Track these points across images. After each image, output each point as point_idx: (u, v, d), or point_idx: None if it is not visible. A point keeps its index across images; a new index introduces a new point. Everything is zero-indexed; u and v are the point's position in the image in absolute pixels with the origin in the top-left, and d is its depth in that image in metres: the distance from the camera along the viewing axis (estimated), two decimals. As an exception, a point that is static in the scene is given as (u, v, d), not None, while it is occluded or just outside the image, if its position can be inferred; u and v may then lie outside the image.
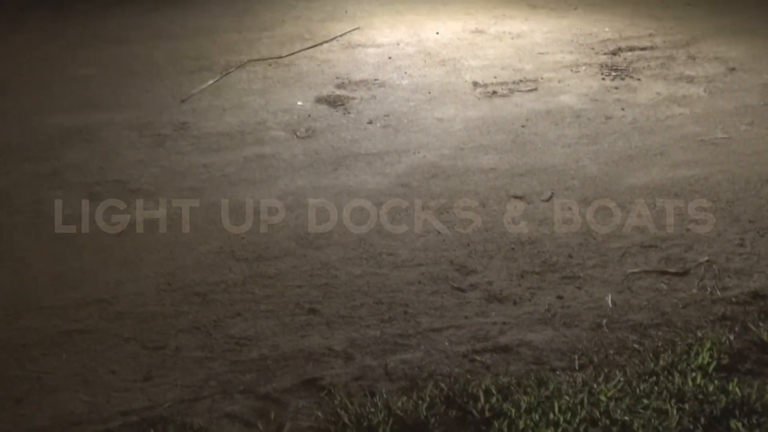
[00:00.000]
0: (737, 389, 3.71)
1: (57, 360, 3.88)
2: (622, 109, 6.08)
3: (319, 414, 3.60)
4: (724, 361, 3.90)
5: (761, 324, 4.19)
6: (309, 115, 5.82)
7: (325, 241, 4.70)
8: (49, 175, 5.07)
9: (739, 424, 3.53)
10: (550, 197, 5.14)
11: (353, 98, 6.02)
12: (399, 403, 3.60)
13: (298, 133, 5.63)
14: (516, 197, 5.13)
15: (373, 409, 3.58)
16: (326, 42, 6.70)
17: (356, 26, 6.94)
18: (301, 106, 5.92)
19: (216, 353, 3.95)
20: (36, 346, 3.94)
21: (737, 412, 3.61)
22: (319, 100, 5.99)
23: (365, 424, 3.49)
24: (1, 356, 3.88)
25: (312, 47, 6.61)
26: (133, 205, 4.89)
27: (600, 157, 5.54)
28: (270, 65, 6.34)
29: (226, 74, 6.18)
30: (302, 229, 4.78)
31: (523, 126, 5.83)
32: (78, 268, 4.42)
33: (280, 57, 6.45)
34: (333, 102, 5.98)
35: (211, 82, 6.08)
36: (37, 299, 4.22)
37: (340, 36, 6.78)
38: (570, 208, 5.06)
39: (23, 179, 5.01)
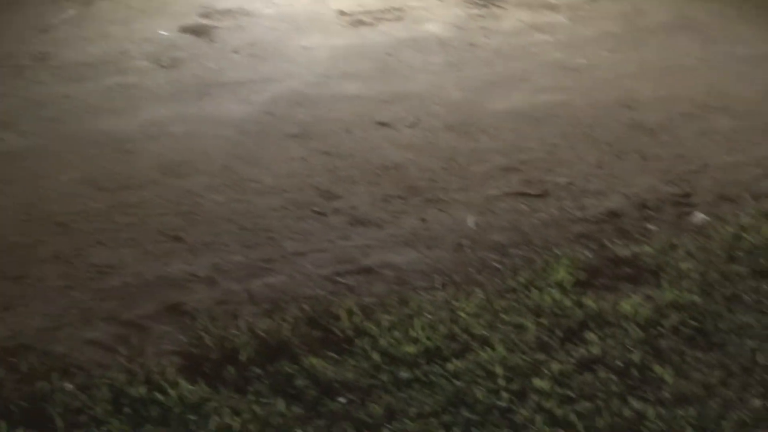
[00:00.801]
0: (592, 303, 3.81)
1: None
2: (486, 36, 6.12)
3: (182, 338, 3.60)
4: (581, 277, 3.99)
5: (616, 241, 4.29)
6: (173, 45, 5.74)
7: (189, 169, 4.66)
8: None
9: (594, 335, 3.62)
10: (415, 123, 5.17)
11: (218, 27, 5.96)
12: (262, 326, 3.61)
13: (162, 63, 5.55)
14: (381, 123, 5.15)
15: (236, 332, 3.58)
16: (190, -30, 6.58)
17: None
18: (165, 35, 5.84)
19: (78, 282, 3.91)
20: None
21: (592, 324, 3.70)
22: (184, 29, 5.91)
23: (228, 346, 3.49)
24: None
25: (176, -25, 6.50)
26: (-7, 136, 4.79)
27: (464, 84, 5.58)
28: (133, -6, 6.22)
29: (89, 4, 6.05)
30: (166, 158, 4.73)
31: (388, 54, 5.83)
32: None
33: (143, -15, 6.33)
34: (197, 31, 5.91)
35: (72, 12, 5.96)
36: None
37: (205, -36, 6.67)
38: (434, 133, 5.09)
39: None
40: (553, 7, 6.55)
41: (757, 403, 3.35)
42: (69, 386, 3.32)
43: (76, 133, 4.86)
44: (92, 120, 4.98)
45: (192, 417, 3.20)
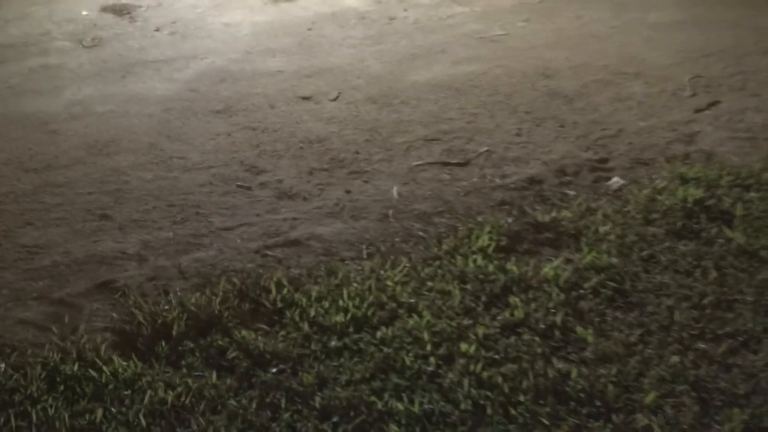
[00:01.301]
0: (515, 268, 3.85)
1: None
2: (405, 10, 6.14)
3: (114, 315, 3.59)
4: (503, 243, 4.03)
5: (537, 207, 4.34)
6: (95, 25, 5.69)
7: (114, 148, 4.63)
8: None
9: (517, 299, 3.66)
10: (337, 96, 5.18)
11: (139, 6, 5.91)
12: (193, 300, 3.61)
13: (84, 43, 5.50)
14: (304, 98, 5.15)
15: (167, 307, 3.58)
16: (109, -50, 6.51)
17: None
18: (87, 15, 5.78)
19: (7, 262, 3.88)
20: None
21: (515, 289, 3.75)
22: (105, 9, 5.86)
23: (160, 321, 3.50)
24: None
25: (95, -44, 6.43)
26: None
27: (384, 57, 5.59)
28: (53, -25, 6.14)
29: (9, -14, 5.96)
30: (91, 138, 4.69)
31: (309, 29, 5.83)
32: None
33: (63, -34, 6.25)
34: (119, 11, 5.86)
35: (-8, -6, 5.86)
36: None
37: (124, -57, 6.60)
38: (356, 106, 5.10)
39: None
40: (469, -21, 6.59)
41: (675, 359, 3.41)
42: (2, 366, 3.31)
43: (0, 115, 4.80)
44: (16, 101, 4.93)
45: (126, 392, 3.21)
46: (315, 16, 5.96)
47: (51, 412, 3.12)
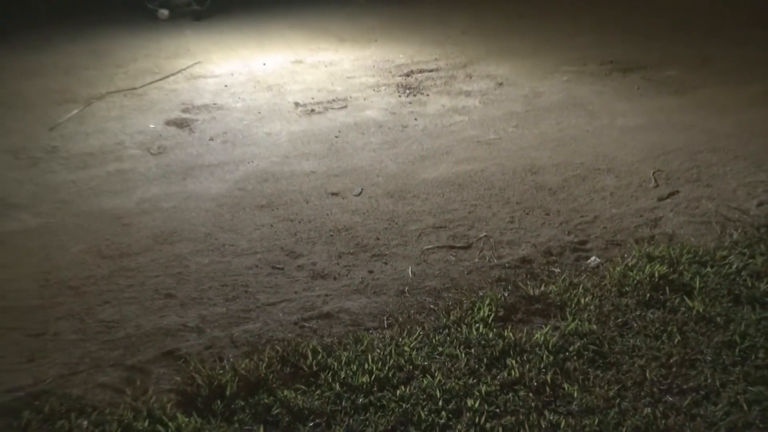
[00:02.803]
0: (511, 334, 3.84)
1: (-49, 350, 3.77)
2: (416, 119, 6.18)
3: (177, 378, 3.58)
4: (501, 314, 4.02)
5: (528, 283, 4.33)
6: (160, 136, 5.74)
7: (177, 237, 4.65)
8: (-63, 196, 4.88)
9: (513, 361, 3.65)
10: (360, 192, 5.20)
11: (197, 120, 5.97)
12: (243, 365, 3.60)
13: (151, 151, 5.55)
14: (333, 194, 5.17)
15: (221, 371, 3.58)
16: (172, 75, 6.60)
17: (197, 61, 6.86)
18: (153, 128, 5.83)
19: (89, 335, 3.88)
20: (-69, 340, 3.81)
21: (511, 352, 3.74)
22: (168, 122, 5.91)
23: (215, 383, 3.49)
24: None
25: (161, 79, 6.51)
26: (13, 217, 4.74)
27: (399, 159, 5.62)
28: (126, 96, 6.21)
29: (89, 105, 6.04)
30: (158, 229, 4.72)
31: (336, 136, 5.87)
32: (-34, 272, 4.28)
33: (134, 88, 6.33)
34: (180, 124, 5.91)
35: (75, 111, 5.93)
36: (-70, 300, 4.06)
37: (184, 69, 6.69)
38: (376, 200, 5.12)
39: None
40: (467, 94, 6.63)
41: (647, 411, 3.39)
42: (84, 423, 3.30)
43: (82, 211, 4.84)
44: (95, 200, 4.96)
45: (188, 445, 3.20)
46: (341, 125, 6.01)
47: (125, 462, 3.11)
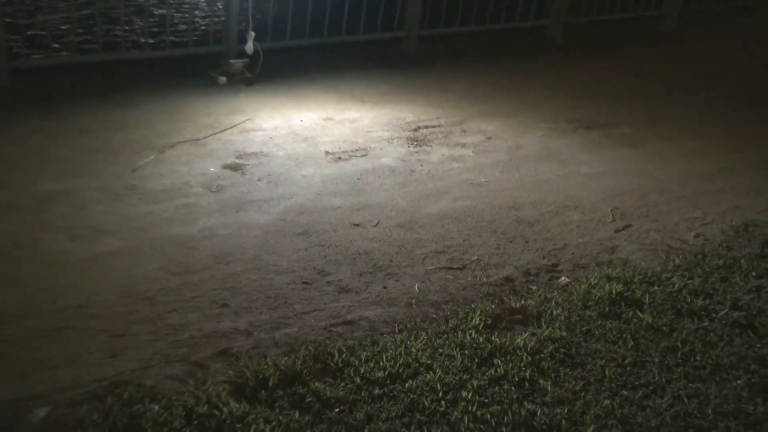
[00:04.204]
0: (497, 339, 3.84)
1: (53, 347, 3.76)
2: (421, 165, 6.18)
3: (230, 372, 3.59)
4: (489, 322, 4.02)
5: (511, 297, 4.33)
6: (218, 177, 5.75)
7: (231, 258, 4.65)
8: (42, 222, 4.89)
9: (499, 361, 3.64)
10: (377, 223, 5.20)
11: (247, 164, 5.98)
12: (282, 362, 3.60)
13: (211, 189, 5.56)
14: (355, 224, 5.17)
15: (265, 367, 3.57)
16: (228, 128, 6.63)
17: (248, 117, 6.89)
18: (213, 171, 5.85)
19: (160, 336, 3.88)
20: (38, 337, 3.81)
21: (498, 353, 3.73)
22: (225, 167, 5.93)
23: (260, 376, 3.49)
24: (12, 347, 3.74)
25: (219, 132, 6.54)
26: (101, 241, 4.76)
27: (407, 197, 5.63)
28: (191, 145, 6.24)
29: (162, 152, 6.06)
30: (216, 251, 4.72)
31: (358, 179, 5.88)
32: (64, 284, 4.27)
33: (198, 139, 6.35)
34: (234, 168, 5.93)
35: (152, 157, 5.96)
36: (37, 305, 4.07)
37: (238, 124, 6.72)
38: (389, 230, 5.12)
39: (23, 227, 4.81)
40: (463, 145, 6.62)
41: (606, 402, 3.38)
42: (155, 408, 3.31)
43: (156, 237, 4.85)
44: (166, 228, 4.97)
45: (238, 426, 3.20)
46: (362, 170, 6.02)
47: (188, 439, 3.11)
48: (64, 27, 8.72)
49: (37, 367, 3.60)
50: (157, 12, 9.80)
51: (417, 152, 6.45)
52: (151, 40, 8.25)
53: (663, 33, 10.86)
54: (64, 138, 6.18)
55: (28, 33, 7.55)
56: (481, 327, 3.95)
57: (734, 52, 10.27)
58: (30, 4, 8.51)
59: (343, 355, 3.67)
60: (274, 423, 3.19)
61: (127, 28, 8.15)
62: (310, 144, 6.48)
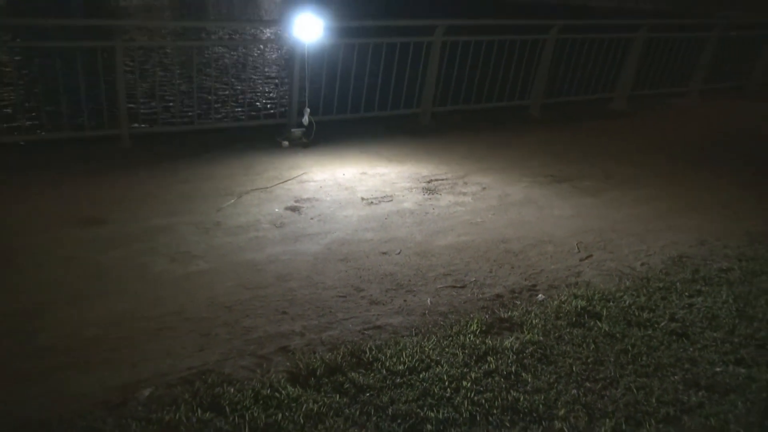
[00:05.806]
0: (490, 342, 3.81)
1: (155, 343, 3.80)
2: (433, 208, 6.20)
3: (288, 364, 3.60)
4: (483, 329, 4.00)
5: (501, 310, 4.30)
6: (281, 216, 5.80)
7: (290, 277, 4.68)
8: (150, 249, 4.96)
9: (491, 359, 3.61)
10: (399, 252, 5.21)
11: (303, 207, 6.04)
12: (327, 356, 3.62)
13: (276, 225, 5.61)
14: (383, 253, 5.18)
15: (314, 360, 3.58)
16: (289, 180, 6.70)
17: (304, 172, 6.96)
18: (277, 211, 5.91)
19: (235, 336, 3.91)
20: (142, 338, 3.86)
21: (490, 353, 3.70)
22: (287, 208, 5.98)
23: (310, 367, 3.50)
24: (125, 342, 3.77)
25: (282, 182, 6.61)
26: (193, 263, 4.81)
27: (423, 232, 5.63)
28: (262, 192, 6.31)
29: (240, 197, 6.14)
30: (278, 273, 4.75)
31: (385, 218, 5.90)
32: (164, 296, 4.33)
33: (267, 187, 6.43)
34: (293, 209, 5.98)
35: (232, 201, 6.04)
36: (143, 312, 4.11)
37: (296, 177, 6.79)
38: (409, 257, 5.13)
39: (134, 254, 4.89)
40: (464, 194, 6.62)
41: (574, 392, 3.33)
42: (231, 390, 3.32)
43: (234, 261, 4.90)
44: (242, 254, 5.02)
45: (293, 404, 3.20)
46: (388, 212, 6.04)
47: (254, 413, 3.11)
48: (171, 104, 8.97)
49: (143, 358, 3.65)
50: (241, 97, 10.14)
51: (430, 198, 6.47)
52: (234, 114, 8.51)
53: (615, 111, 10.87)
54: (167, 186, 6.29)
55: (142, 111, 7.83)
56: (477, 332, 3.94)
57: (672, 125, 10.24)
58: (146, 91, 8.79)
59: (373, 352, 3.66)
60: (320, 403, 3.19)
61: (217, 105, 8.38)
62: (350, 192, 6.52)
